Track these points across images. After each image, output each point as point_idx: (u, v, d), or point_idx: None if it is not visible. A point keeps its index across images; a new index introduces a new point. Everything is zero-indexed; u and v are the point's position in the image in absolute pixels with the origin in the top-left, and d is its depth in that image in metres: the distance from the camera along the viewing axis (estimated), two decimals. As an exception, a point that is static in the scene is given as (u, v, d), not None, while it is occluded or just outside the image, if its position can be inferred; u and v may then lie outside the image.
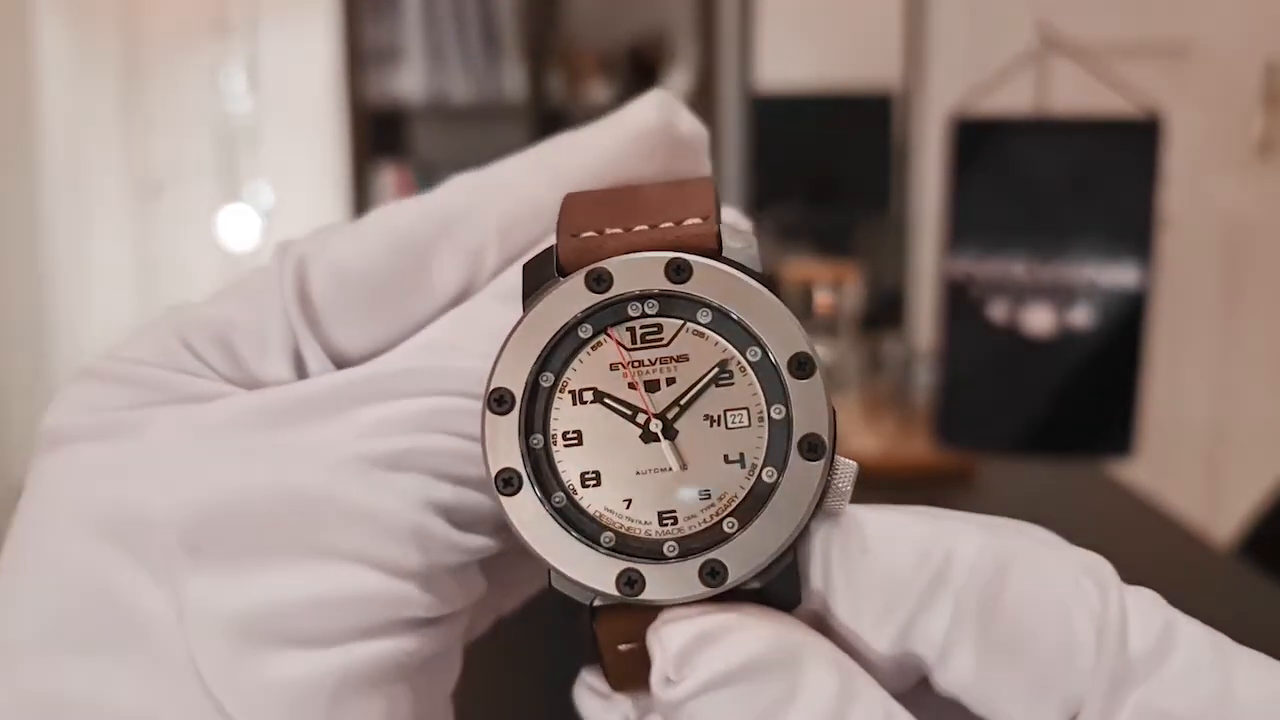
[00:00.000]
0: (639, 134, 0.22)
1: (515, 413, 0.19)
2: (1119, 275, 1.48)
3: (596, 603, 0.18)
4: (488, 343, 0.19)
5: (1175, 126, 1.50)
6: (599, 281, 0.19)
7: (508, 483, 0.18)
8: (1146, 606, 0.17)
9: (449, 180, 0.22)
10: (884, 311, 2.03)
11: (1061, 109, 1.60)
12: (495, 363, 0.19)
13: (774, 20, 2.18)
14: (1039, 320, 1.50)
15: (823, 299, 1.65)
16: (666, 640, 0.17)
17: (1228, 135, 2.06)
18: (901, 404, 1.73)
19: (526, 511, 0.18)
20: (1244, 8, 2.03)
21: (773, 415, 0.19)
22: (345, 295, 0.20)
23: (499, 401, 0.19)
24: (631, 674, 0.19)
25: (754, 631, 0.17)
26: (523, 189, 0.22)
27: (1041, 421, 1.52)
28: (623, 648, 0.19)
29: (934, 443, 1.52)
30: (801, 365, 0.19)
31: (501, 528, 0.20)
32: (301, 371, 0.20)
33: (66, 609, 0.18)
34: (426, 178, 2.26)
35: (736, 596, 0.18)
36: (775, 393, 0.19)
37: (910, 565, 0.18)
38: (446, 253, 0.21)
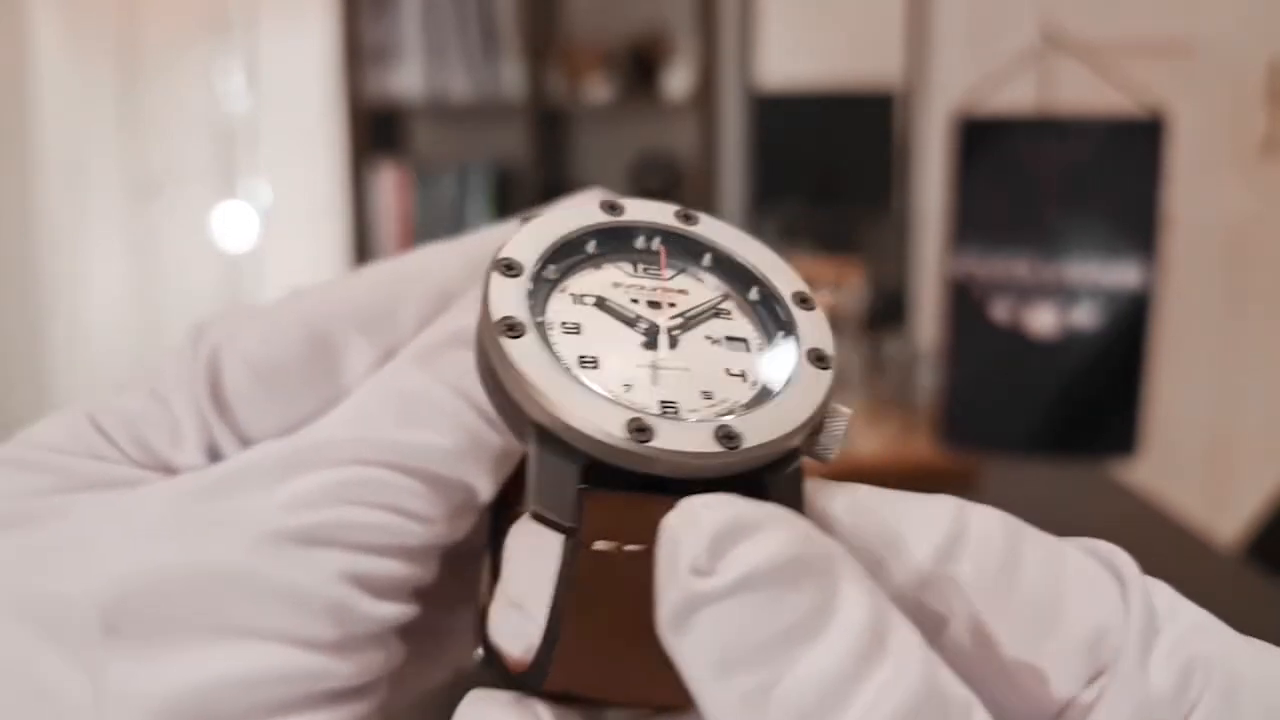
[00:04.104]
0: None
1: (524, 278, 0.18)
2: (1122, 275, 1.47)
3: (580, 487, 0.16)
4: (399, 408, 0.19)
5: (1179, 125, 1.49)
6: (613, 209, 0.20)
7: (512, 328, 0.17)
8: (1159, 582, 0.18)
9: (369, 267, 0.23)
10: (886, 311, 2.02)
11: (1064, 107, 1.59)
12: (507, 241, 0.19)
13: (775, 17, 2.17)
14: (1042, 320, 1.49)
15: (824, 298, 1.64)
16: (701, 521, 0.15)
17: (1231, 134, 2.06)
18: (904, 404, 1.73)
19: (530, 356, 0.17)
20: (1248, 6, 2.02)
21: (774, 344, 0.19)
22: (257, 386, 0.21)
23: (508, 268, 0.18)
24: (601, 602, 0.17)
25: (792, 528, 0.15)
26: (439, 277, 0.22)
27: (1045, 422, 1.51)
28: (600, 545, 0.16)
29: (937, 443, 1.51)
30: (804, 300, 0.19)
31: (416, 593, 0.20)
32: (216, 459, 0.21)
33: None
34: (425, 176, 2.25)
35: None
36: (780, 324, 0.19)
37: (923, 526, 0.17)
38: (362, 345, 0.21)
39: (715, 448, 0.16)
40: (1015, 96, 1.59)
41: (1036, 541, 0.17)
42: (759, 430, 0.17)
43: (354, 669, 0.19)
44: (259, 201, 2.40)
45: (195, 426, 0.21)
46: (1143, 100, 1.48)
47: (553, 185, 2.28)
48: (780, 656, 0.14)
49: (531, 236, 0.19)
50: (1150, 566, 0.19)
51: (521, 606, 0.19)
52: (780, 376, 0.18)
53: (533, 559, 0.18)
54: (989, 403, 1.53)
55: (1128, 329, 1.49)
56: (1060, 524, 0.20)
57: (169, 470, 0.20)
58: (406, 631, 0.20)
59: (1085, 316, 1.49)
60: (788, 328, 0.19)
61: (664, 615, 0.15)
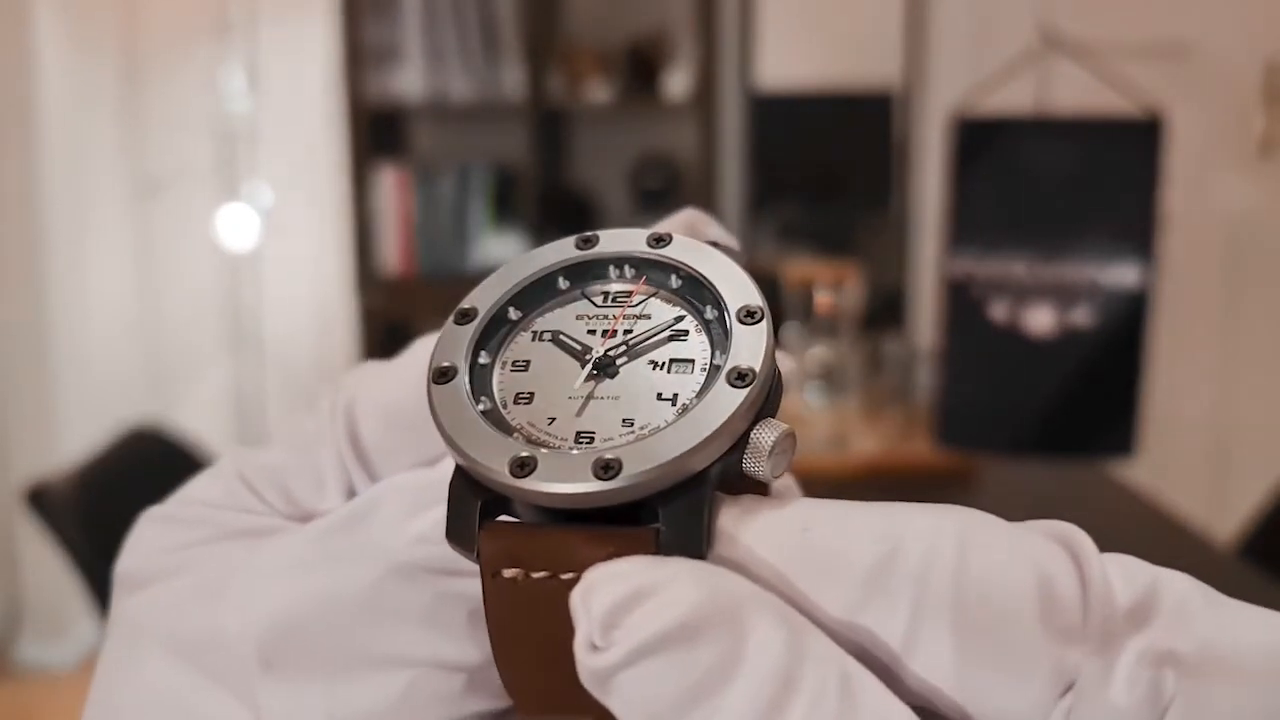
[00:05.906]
0: None
1: (473, 326, 0.19)
2: (1120, 275, 1.48)
3: (476, 534, 0.17)
4: None
5: (1176, 126, 1.49)
6: (586, 242, 0.20)
7: (443, 374, 0.19)
8: (1127, 562, 0.16)
9: None
10: (884, 311, 2.03)
11: (1062, 109, 1.60)
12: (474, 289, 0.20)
13: (774, 19, 2.18)
14: (1040, 320, 1.50)
15: (823, 299, 1.65)
16: (592, 600, 0.15)
17: (1229, 135, 2.06)
18: (902, 404, 1.73)
19: (449, 398, 0.18)
20: (1244, 8, 2.03)
21: (715, 362, 0.18)
22: (391, 432, 0.22)
23: (464, 315, 0.20)
24: (525, 627, 0.17)
25: (691, 586, 0.15)
26: None
27: (1042, 421, 1.52)
28: (509, 573, 0.17)
29: (934, 443, 1.52)
30: (750, 314, 0.19)
31: None
32: None
33: None
34: (425, 177, 2.26)
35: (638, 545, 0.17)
36: (722, 343, 0.19)
37: (860, 545, 0.16)
38: None
39: (589, 479, 0.16)
40: (1013, 97, 1.59)
41: (988, 548, 0.16)
42: (643, 458, 0.17)
43: (499, 688, 0.19)
44: (260, 202, 2.40)
45: (337, 474, 0.22)
46: (1140, 101, 1.49)
47: (553, 186, 2.29)
48: (695, 712, 0.14)
49: (497, 281, 0.20)
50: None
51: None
52: (703, 395, 0.18)
53: None
54: (987, 403, 1.54)
55: (1126, 329, 1.49)
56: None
57: (314, 518, 0.21)
58: None
59: (1083, 317, 1.50)
60: (726, 346, 0.18)
61: (585, 682, 0.15)
